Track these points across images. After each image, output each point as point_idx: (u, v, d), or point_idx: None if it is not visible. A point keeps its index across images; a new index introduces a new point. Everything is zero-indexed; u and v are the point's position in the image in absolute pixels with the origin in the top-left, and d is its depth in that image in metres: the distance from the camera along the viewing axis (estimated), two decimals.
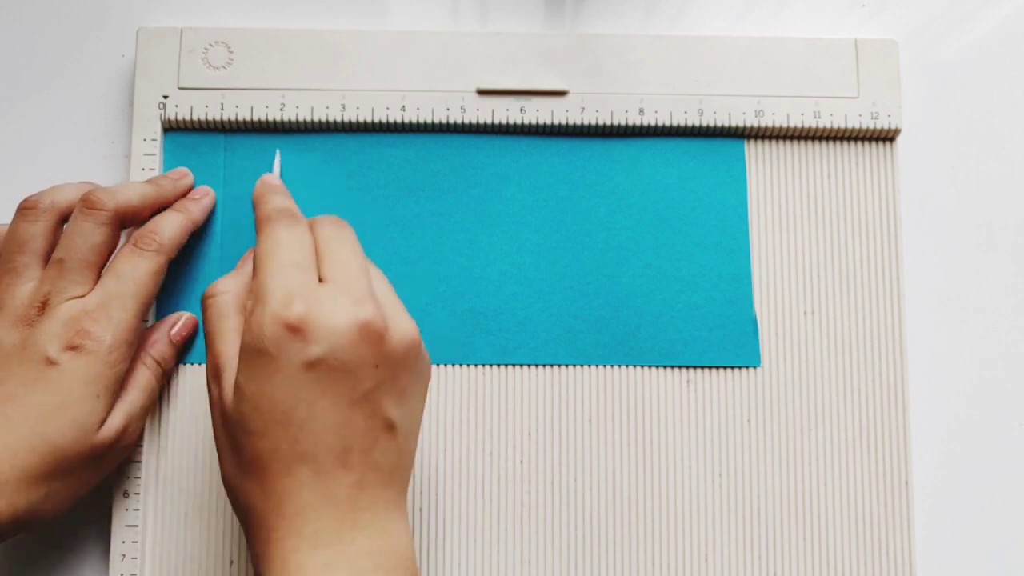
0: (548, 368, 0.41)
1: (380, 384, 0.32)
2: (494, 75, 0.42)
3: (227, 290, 0.35)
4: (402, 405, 0.33)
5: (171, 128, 0.42)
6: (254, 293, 0.32)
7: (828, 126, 0.42)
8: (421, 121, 0.42)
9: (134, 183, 0.39)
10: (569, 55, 0.42)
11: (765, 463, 0.41)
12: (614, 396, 0.41)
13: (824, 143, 0.43)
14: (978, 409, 0.42)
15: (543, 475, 0.41)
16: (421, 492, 0.40)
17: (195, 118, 0.41)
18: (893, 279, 0.42)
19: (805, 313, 0.42)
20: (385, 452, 0.32)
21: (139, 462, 0.40)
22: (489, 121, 0.42)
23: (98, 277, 0.37)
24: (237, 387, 0.31)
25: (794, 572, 0.40)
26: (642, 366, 0.41)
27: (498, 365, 0.41)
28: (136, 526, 0.39)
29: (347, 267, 0.33)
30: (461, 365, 0.41)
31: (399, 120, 0.42)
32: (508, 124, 0.42)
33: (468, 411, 0.41)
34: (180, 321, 0.40)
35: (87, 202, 0.37)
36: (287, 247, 0.33)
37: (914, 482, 0.41)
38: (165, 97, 0.41)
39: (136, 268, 0.37)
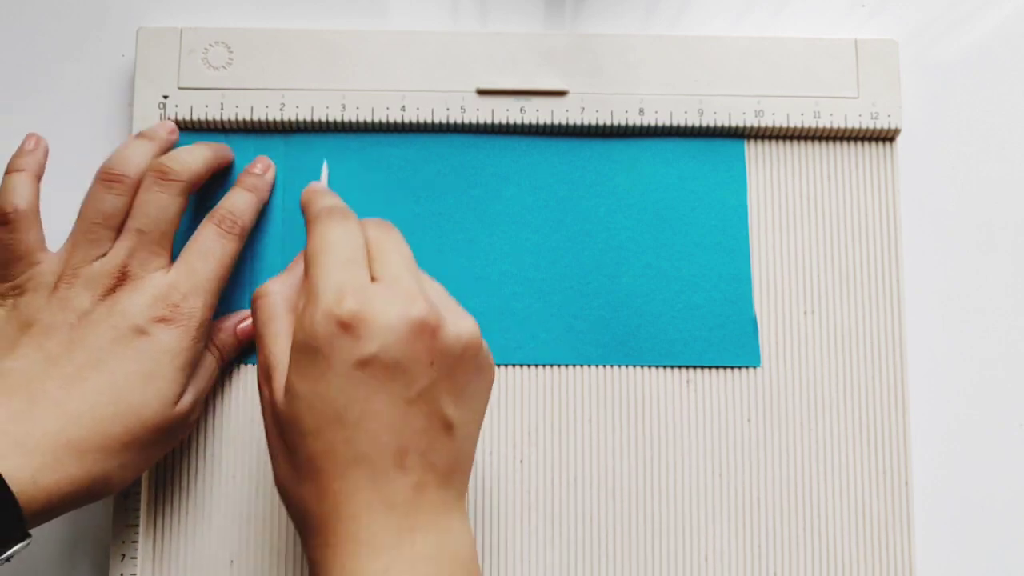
0: (548, 368, 0.41)
1: (436, 382, 0.31)
2: (494, 75, 0.42)
3: (277, 291, 0.35)
4: (461, 404, 0.32)
5: None
6: (306, 291, 0.32)
7: (828, 126, 0.42)
8: (421, 121, 0.42)
9: (192, 147, 0.39)
10: (569, 55, 0.42)
11: (765, 463, 0.41)
12: (614, 396, 0.41)
13: (824, 143, 0.43)
14: (978, 409, 0.42)
15: (543, 475, 0.41)
16: None
17: (195, 118, 0.41)
18: (893, 279, 0.42)
19: (805, 313, 0.42)
20: (443, 452, 0.31)
21: None
22: (489, 121, 0.42)
23: (171, 246, 0.37)
24: (289, 387, 0.31)
25: (794, 571, 0.40)
26: (642, 366, 0.41)
27: (498, 365, 0.41)
28: (136, 526, 0.39)
29: (397, 266, 0.32)
30: None
31: (399, 120, 0.42)
32: (508, 124, 0.42)
33: None
34: (249, 319, 0.40)
35: (160, 172, 0.37)
36: (339, 243, 0.32)
37: (914, 482, 0.41)
38: (165, 97, 0.41)
39: (223, 249, 0.38)
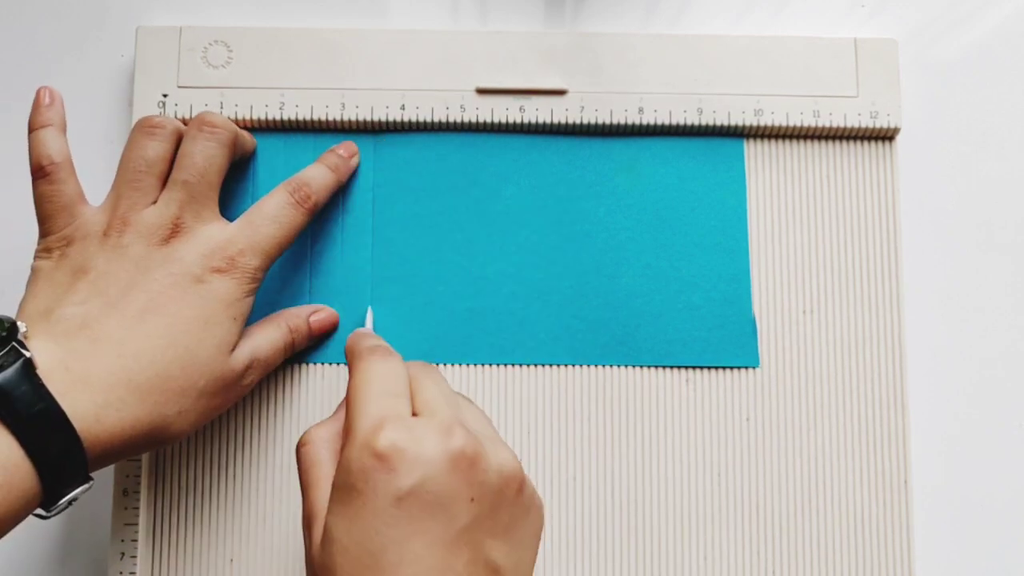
0: (548, 368, 0.41)
1: (478, 520, 0.29)
2: (494, 74, 0.42)
3: (321, 437, 0.33)
4: (507, 549, 0.30)
5: None
6: (345, 431, 0.30)
7: (827, 125, 0.42)
8: (421, 120, 0.42)
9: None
10: (569, 54, 0.42)
11: (764, 463, 0.41)
12: (614, 396, 0.41)
13: (823, 142, 0.43)
14: (977, 409, 0.42)
15: (542, 474, 0.41)
16: None
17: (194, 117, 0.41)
18: (892, 278, 0.42)
19: (804, 313, 0.42)
20: None
21: (138, 461, 0.40)
22: (489, 120, 0.42)
23: (217, 197, 0.37)
24: (326, 532, 0.29)
25: (793, 571, 0.40)
26: (641, 366, 0.41)
27: (497, 365, 0.41)
28: (136, 526, 0.39)
29: (436, 399, 0.31)
30: (460, 365, 0.41)
31: (399, 119, 0.42)
32: (508, 123, 0.42)
33: None
34: (323, 312, 0.41)
35: (207, 122, 0.37)
36: (380, 377, 0.32)
37: (913, 482, 0.41)
38: (164, 96, 0.41)
39: (289, 218, 0.38)
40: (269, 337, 0.38)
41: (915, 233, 0.43)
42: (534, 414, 0.41)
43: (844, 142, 0.43)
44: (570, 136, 0.42)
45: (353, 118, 0.42)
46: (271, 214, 0.37)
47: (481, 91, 0.42)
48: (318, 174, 0.40)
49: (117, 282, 0.35)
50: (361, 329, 0.39)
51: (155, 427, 0.33)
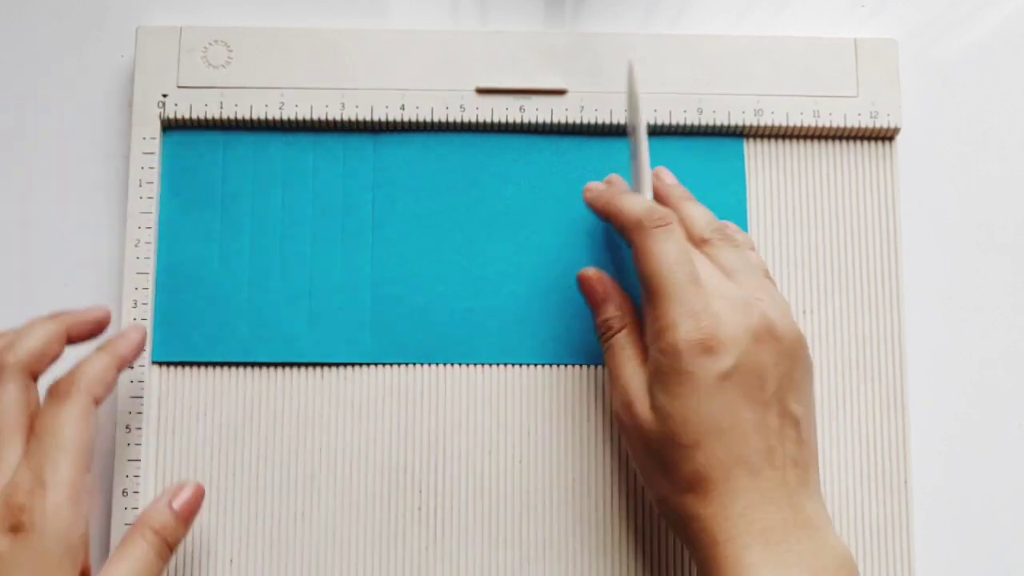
0: (548, 368, 0.41)
1: (781, 382, 0.34)
2: (494, 74, 0.42)
3: (621, 327, 0.37)
4: (800, 400, 0.35)
5: (170, 127, 0.42)
6: (655, 318, 0.34)
7: (827, 125, 0.42)
8: (421, 120, 0.42)
9: (41, 325, 0.35)
10: (569, 54, 0.42)
11: None
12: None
13: (823, 142, 0.43)
14: (977, 409, 0.42)
15: (543, 475, 0.40)
16: (420, 491, 0.40)
17: (194, 117, 0.41)
18: (892, 278, 0.42)
19: (804, 312, 0.42)
20: (798, 448, 0.34)
21: (138, 461, 0.40)
22: (489, 120, 0.42)
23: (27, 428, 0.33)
24: (658, 409, 0.34)
25: None
26: None
27: (497, 365, 0.41)
28: None
29: (719, 277, 0.35)
30: (460, 364, 0.41)
31: (399, 119, 0.42)
32: (508, 123, 0.42)
33: (468, 411, 0.41)
34: (184, 493, 0.36)
35: None
36: (675, 263, 0.34)
37: (913, 482, 0.41)
38: (164, 96, 0.41)
39: (56, 418, 0.32)
40: (135, 558, 0.33)
41: (915, 233, 0.43)
42: (534, 414, 0.41)
43: (844, 142, 0.43)
44: (570, 136, 0.42)
45: (353, 118, 0.42)
46: (39, 430, 0.32)
47: (481, 91, 0.42)
48: (88, 361, 0.35)
49: None
50: (596, 184, 0.40)
51: None
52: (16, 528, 0.30)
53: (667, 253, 0.34)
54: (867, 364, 0.41)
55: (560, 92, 0.42)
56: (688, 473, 0.33)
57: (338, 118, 0.41)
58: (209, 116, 0.41)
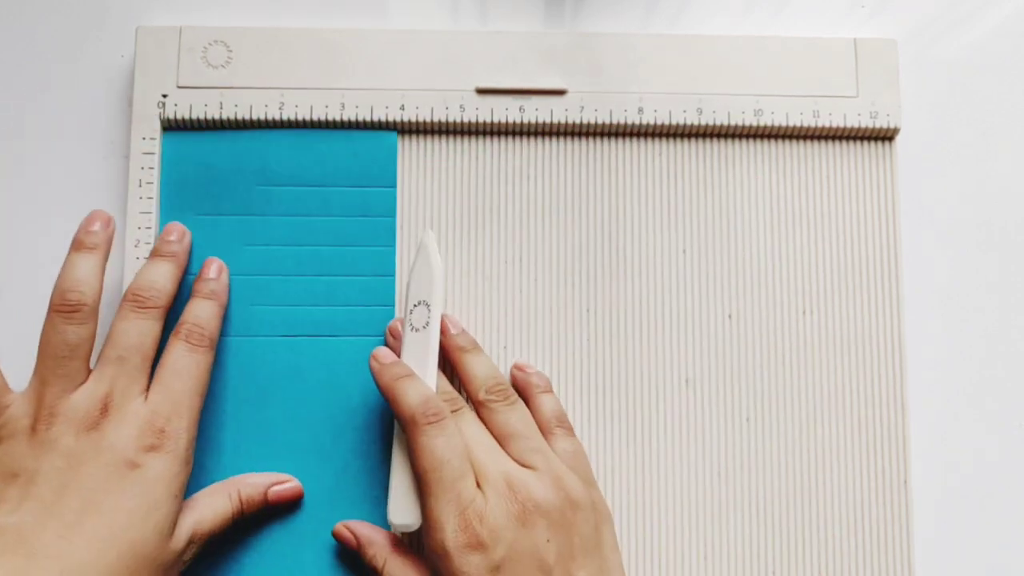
0: (547, 368, 0.41)
1: (560, 553, 0.35)
2: (493, 74, 0.42)
3: (383, 558, 0.38)
4: (587, 564, 0.35)
5: (170, 127, 0.42)
6: (428, 518, 0.35)
7: (827, 125, 0.42)
8: (421, 120, 0.42)
9: (158, 266, 0.39)
10: (569, 54, 0.42)
11: (764, 462, 0.41)
12: (614, 396, 0.41)
13: (823, 142, 0.43)
14: (977, 409, 0.42)
15: None
16: None
17: (194, 117, 0.41)
18: (892, 278, 0.42)
19: (804, 312, 0.42)
20: None
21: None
22: (489, 120, 0.42)
23: (150, 371, 0.37)
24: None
25: (793, 571, 0.40)
26: (642, 366, 0.41)
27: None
28: None
29: (487, 464, 0.36)
30: None
31: (399, 119, 0.42)
32: (508, 123, 0.42)
33: None
34: (287, 484, 0.39)
35: (139, 300, 0.37)
36: (440, 464, 0.35)
37: (913, 481, 0.41)
38: (164, 96, 0.41)
39: (197, 365, 0.37)
40: (214, 508, 0.37)
41: (915, 233, 0.43)
42: None
43: (844, 142, 0.43)
44: (570, 136, 0.42)
45: (353, 118, 0.42)
46: (177, 368, 0.36)
47: (481, 91, 0.42)
48: (202, 309, 0.38)
49: (49, 483, 0.33)
50: (383, 355, 0.38)
51: None
52: (152, 448, 0.35)
53: (436, 449, 0.35)
54: (867, 364, 0.41)
55: (560, 92, 0.42)
56: None
57: (338, 118, 0.41)
58: (209, 116, 0.41)
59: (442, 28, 0.44)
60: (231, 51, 0.42)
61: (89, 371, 0.36)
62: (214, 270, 0.40)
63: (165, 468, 0.35)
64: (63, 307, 0.35)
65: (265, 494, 0.39)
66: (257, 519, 0.39)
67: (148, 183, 0.41)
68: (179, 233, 0.40)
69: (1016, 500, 0.42)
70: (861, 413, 0.41)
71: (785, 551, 0.40)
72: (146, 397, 0.36)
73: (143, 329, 0.37)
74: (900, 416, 0.41)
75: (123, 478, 0.34)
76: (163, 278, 0.38)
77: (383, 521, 0.39)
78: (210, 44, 0.42)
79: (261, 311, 0.40)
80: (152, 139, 0.41)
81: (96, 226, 0.37)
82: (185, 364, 0.37)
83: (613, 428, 0.41)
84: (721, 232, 0.42)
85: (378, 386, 0.37)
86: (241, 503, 0.38)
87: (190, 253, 0.41)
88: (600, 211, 0.42)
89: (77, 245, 0.37)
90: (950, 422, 0.42)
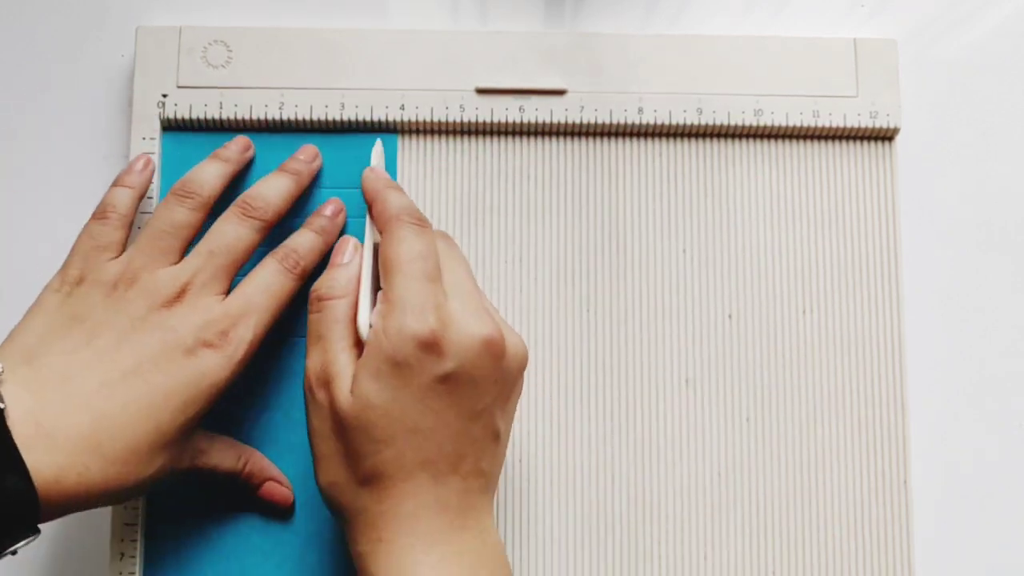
0: (547, 367, 0.41)
1: (496, 398, 0.34)
2: (493, 74, 0.42)
3: (342, 295, 0.35)
4: (505, 417, 0.35)
5: (170, 127, 0.42)
6: (387, 301, 0.33)
7: (827, 125, 0.42)
8: (421, 120, 0.42)
9: (280, 179, 0.39)
10: (568, 54, 0.42)
11: (764, 462, 0.41)
12: (614, 395, 0.41)
13: (823, 142, 0.43)
14: (977, 409, 0.42)
15: (542, 474, 0.41)
16: None
17: (194, 117, 0.41)
18: (892, 278, 0.42)
19: (804, 312, 0.42)
20: (490, 460, 0.34)
21: None
22: (489, 120, 0.42)
23: (234, 276, 0.37)
24: (362, 396, 0.32)
25: (793, 571, 0.40)
26: (642, 367, 0.41)
27: None
28: (136, 526, 0.39)
29: (464, 284, 0.35)
30: None
31: (399, 119, 0.42)
32: (508, 123, 0.42)
33: None
34: (282, 488, 0.39)
35: (248, 207, 0.38)
36: (420, 256, 0.34)
37: (913, 481, 0.41)
38: (164, 96, 0.41)
39: (281, 286, 0.37)
40: (223, 454, 0.38)
41: (915, 233, 0.43)
42: (534, 414, 0.41)
43: (844, 142, 0.43)
44: (570, 136, 0.42)
45: (353, 118, 0.42)
46: (262, 283, 0.37)
47: (481, 91, 0.42)
48: (306, 240, 0.39)
49: (109, 336, 0.34)
50: (377, 172, 0.38)
51: (111, 492, 0.33)
52: (210, 345, 0.35)
53: (415, 246, 0.34)
54: (867, 364, 0.41)
55: (560, 92, 0.42)
56: (370, 467, 0.32)
57: (338, 118, 0.41)
58: (209, 116, 0.41)
59: (442, 28, 0.44)
60: (231, 51, 0.42)
61: (180, 261, 0.37)
62: (331, 209, 0.40)
63: (216, 368, 0.35)
64: (181, 191, 0.37)
65: (262, 483, 0.39)
66: (257, 519, 0.39)
67: None
68: (310, 155, 0.41)
69: (1016, 500, 0.42)
70: (861, 413, 0.41)
71: (785, 551, 0.40)
72: (223, 298, 0.36)
73: (240, 234, 0.37)
74: (900, 416, 0.41)
75: (174, 360, 0.34)
76: (276, 193, 0.39)
77: None
78: (210, 44, 0.42)
79: None
80: (152, 139, 0.41)
81: (236, 145, 0.40)
82: (270, 282, 0.37)
83: (613, 428, 0.41)
84: (721, 232, 0.42)
85: (365, 191, 0.37)
86: (243, 472, 0.38)
87: (316, 177, 0.41)
88: (600, 211, 0.42)
89: (213, 155, 0.40)
90: (950, 422, 0.42)
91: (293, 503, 0.40)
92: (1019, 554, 0.42)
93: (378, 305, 0.34)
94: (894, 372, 0.41)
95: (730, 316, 0.42)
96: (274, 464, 0.40)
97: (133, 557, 0.39)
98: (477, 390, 0.33)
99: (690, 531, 0.40)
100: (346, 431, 0.33)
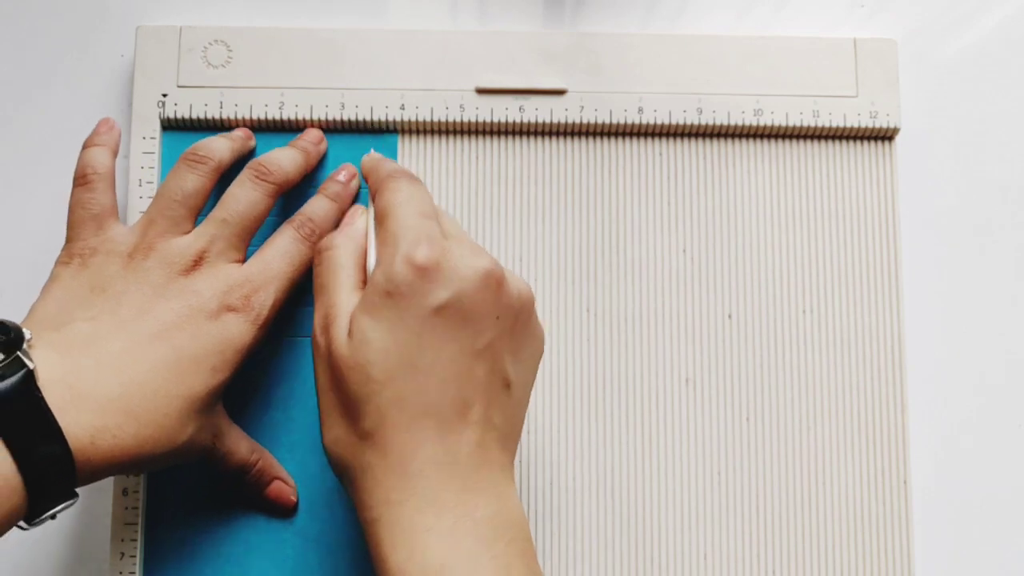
0: (547, 367, 0.41)
1: (500, 336, 0.32)
2: (493, 74, 0.42)
3: (342, 244, 0.35)
4: (517, 364, 0.33)
5: (170, 127, 0.42)
6: (384, 239, 0.33)
7: (827, 125, 0.42)
8: (420, 120, 0.42)
9: (289, 150, 0.40)
10: (568, 54, 0.42)
11: (764, 462, 0.41)
12: (614, 395, 0.41)
13: (823, 142, 0.43)
14: (977, 408, 0.42)
15: (542, 474, 0.41)
16: None
17: (194, 116, 0.41)
18: (892, 278, 0.42)
19: (803, 312, 0.42)
20: (502, 411, 0.32)
21: None
22: (489, 120, 0.42)
23: (249, 242, 0.37)
24: (358, 332, 0.31)
25: (792, 571, 0.40)
26: (641, 366, 0.41)
27: None
28: (136, 526, 0.39)
29: (461, 232, 0.34)
30: None
31: (399, 119, 0.42)
32: (508, 123, 0.42)
33: None
34: (288, 490, 0.39)
35: (259, 171, 0.38)
36: (415, 199, 0.34)
37: (912, 481, 0.41)
38: (164, 95, 0.41)
39: (299, 252, 0.38)
40: (238, 443, 0.38)
41: (915, 233, 0.43)
42: (533, 413, 0.41)
43: (843, 142, 0.43)
44: (570, 136, 0.42)
45: (353, 118, 0.42)
46: (280, 250, 0.37)
47: (481, 91, 0.42)
48: (320, 206, 0.39)
49: (131, 304, 0.34)
50: (375, 153, 0.38)
51: (144, 456, 0.33)
52: (233, 309, 0.35)
53: (407, 189, 0.34)
54: (867, 364, 0.41)
55: (560, 92, 0.42)
56: (371, 412, 0.31)
57: (338, 118, 0.41)
58: (209, 116, 0.41)
59: (442, 28, 0.44)
60: (231, 51, 0.42)
61: (193, 228, 0.37)
62: (344, 175, 0.41)
63: (241, 332, 0.35)
64: (191, 157, 0.38)
65: (270, 482, 0.39)
66: (258, 519, 0.39)
67: (148, 183, 0.41)
68: (316, 138, 0.41)
69: (1016, 500, 0.42)
70: (861, 413, 0.41)
71: (785, 551, 0.40)
72: (242, 264, 0.37)
73: (254, 199, 0.37)
74: (900, 415, 0.41)
75: (199, 324, 0.34)
76: (289, 161, 0.39)
77: None
78: (210, 44, 0.42)
79: None
80: (152, 139, 0.41)
81: (238, 134, 0.41)
82: (288, 249, 0.37)
83: (613, 428, 0.41)
84: (721, 232, 0.42)
85: (364, 168, 0.37)
86: (253, 468, 0.38)
87: (322, 160, 0.41)
88: (600, 211, 0.42)
89: (220, 135, 0.40)
90: (950, 422, 0.42)
91: (296, 504, 0.40)
92: (1019, 554, 0.42)
93: (378, 252, 0.33)
94: (894, 372, 0.41)
95: (730, 316, 0.42)
96: (281, 465, 0.40)
97: (133, 557, 0.39)
98: (476, 325, 0.31)
99: (689, 530, 0.40)
100: (343, 377, 0.31)
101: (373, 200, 0.36)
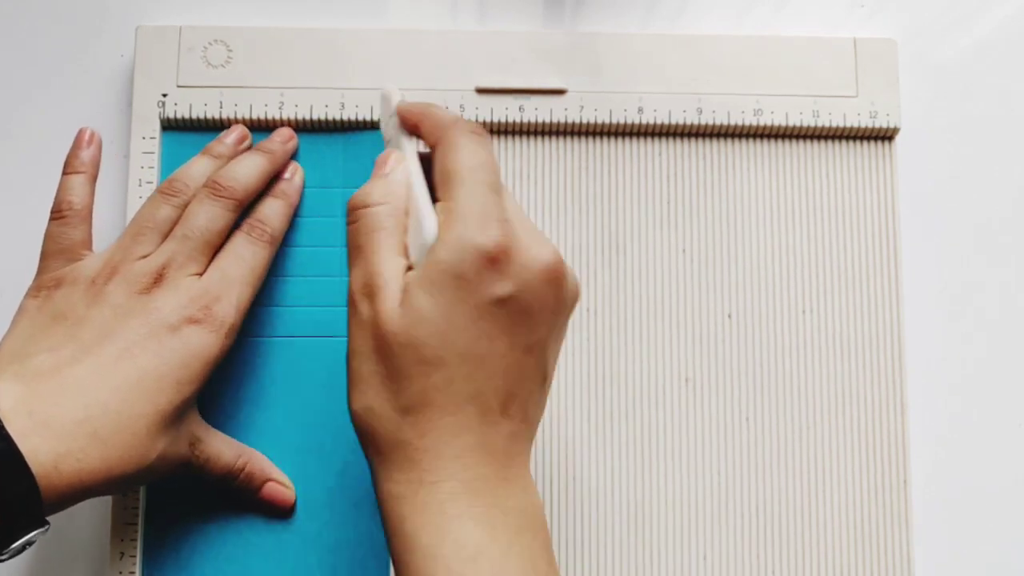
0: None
1: (551, 333, 0.31)
2: (493, 74, 0.42)
3: (382, 200, 0.32)
4: (555, 357, 0.32)
5: (170, 127, 0.42)
6: (448, 212, 0.31)
7: (827, 125, 0.42)
8: None
9: (251, 158, 0.39)
10: (568, 54, 0.42)
11: (763, 462, 0.41)
12: (614, 395, 0.41)
13: (823, 142, 0.43)
14: (976, 408, 0.42)
15: (542, 474, 0.41)
16: None
17: (194, 116, 0.41)
18: (892, 278, 0.42)
19: (803, 312, 0.42)
20: (535, 406, 0.32)
21: None
22: (489, 120, 0.42)
23: (211, 256, 0.37)
24: (414, 311, 0.30)
25: (792, 570, 0.40)
26: (641, 366, 0.41)
27: None
28: (136, 526, 0.39)
29: (519, 209, 0.32)
30: None
31: None
32: (507, 123, 0.42)
33: None
34: (284, 489, 0.39)
35: (215, 188, 0.38)
36: (482, 165, 0.31)
37: (912, 481, 0.41)
38: (164, 95, 0.41)
39: (254, 255, 0.38)
40: (220, 450, 0.38)
41: (914, 233, 0.43)
42: None
43: (843, 142, 0.43)
44: (570, 136, 0.42)
45: (353, 118, 0.42)
46: (236, 255, 0.37)
47: (481, 91, 0.42)
48: (269, 207, 0.39)
49: (93, 327, 0.34)
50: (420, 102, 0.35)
51: (114, 479, 0.33)
52: (195, 321, 0.35)
53: (479, 153, 0.31)
54: (867, 364, 0.41)
55: (560, 92, 0.42)
56: (416, 392, 0.30)
57: (338, 118, 0.42)
58: (209, 116, 0.41)
59: (441, 28, 0.44)
60: (231, 51, 0.42)
61: None
62: (288, 171, 0.41)
63: (204, 344, 0.35)
64: (168, 190, 0.38)
65: (262, 484, 0.39)
66: (257, 519, 0.39)
67: (148, 183, 0.41)
68: (285, 136, 0.41)
69: (1016, 500, 0.42)
70: (861, 413, 0.41)
71: (785, 551, 0.40)
72: (200, 277, 0.36)
73: (212, 215, 0.37)
74: (900, 416, 0.41)
75: (161, 340, 0.34)
76: (246, 172, 0.39)
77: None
78: (210, 43, 0.42)
79: (261, 312, 0.40)
80: (152, 139, 0.41)
81: (231, 137, 0.40)
82: (242, 253, 0.38)
83: (613, 428, 0.41)
84: (721, 232, 0.42)
85: (407, 113, 0.34)
86: (241, 472, 0.38)
87: (290, 158, 0.41)
88: (600, 211, 0.42)
89: (205, 150, 0.40)
90: (950, 422, 0.42)
91: (294, 504, 0.40)
92: (1019, 554, 0.42)
93: (441, 215, 0.31)
94: (894, 372, 0.41)
95: (730, 316, 0.42)
96: (274, 465, 0.40)
97: (133, 557, 0.39)
98: (534, 320, 0.30)
99: (689, 530, 0.40)
100: (391, 349, 0.30)
101: (423, 141, 0.33)
